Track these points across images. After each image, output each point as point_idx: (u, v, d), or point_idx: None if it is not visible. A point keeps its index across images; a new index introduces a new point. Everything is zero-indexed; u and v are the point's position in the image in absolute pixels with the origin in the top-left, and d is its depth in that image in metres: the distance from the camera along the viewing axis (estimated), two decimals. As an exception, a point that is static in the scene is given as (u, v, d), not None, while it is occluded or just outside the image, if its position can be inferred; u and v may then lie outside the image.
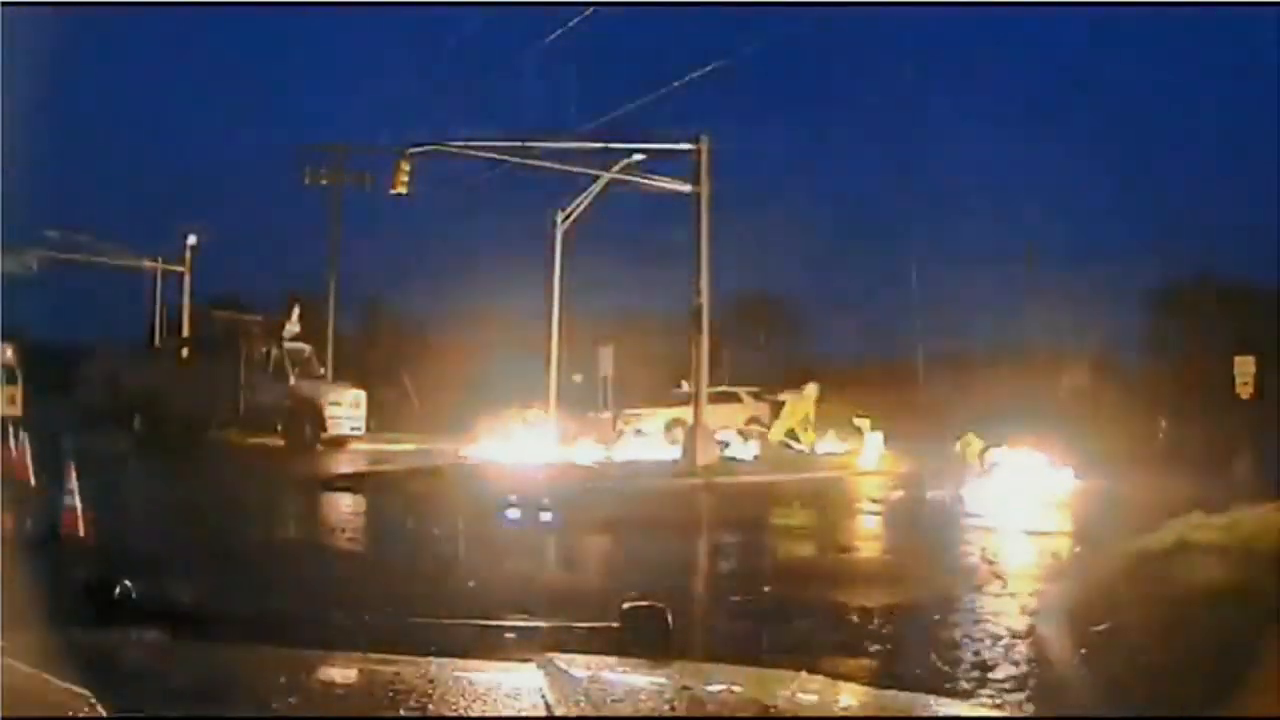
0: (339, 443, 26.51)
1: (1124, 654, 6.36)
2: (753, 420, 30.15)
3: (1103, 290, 26.21)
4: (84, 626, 1.72)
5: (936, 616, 8.10)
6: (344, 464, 22.65)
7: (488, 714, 1.40)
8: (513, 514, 14.91)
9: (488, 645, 1.73)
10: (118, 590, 1.74)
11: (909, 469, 21.33)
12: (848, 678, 1.85)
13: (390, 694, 1.57)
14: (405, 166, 24.75)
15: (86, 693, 1.34)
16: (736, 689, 1.75)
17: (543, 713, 1.41)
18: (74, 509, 10.69)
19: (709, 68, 24.02)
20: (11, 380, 27.40)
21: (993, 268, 24.33)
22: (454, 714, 1.40)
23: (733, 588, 9.79)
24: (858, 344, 32.05)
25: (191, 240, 36.16)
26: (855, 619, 8.04)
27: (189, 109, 77.74)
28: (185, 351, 29.40)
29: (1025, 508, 15.19)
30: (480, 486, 17.37)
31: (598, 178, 25.80)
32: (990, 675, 6.33)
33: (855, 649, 7.03)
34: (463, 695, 1.47)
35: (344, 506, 16.21)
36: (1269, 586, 7.42)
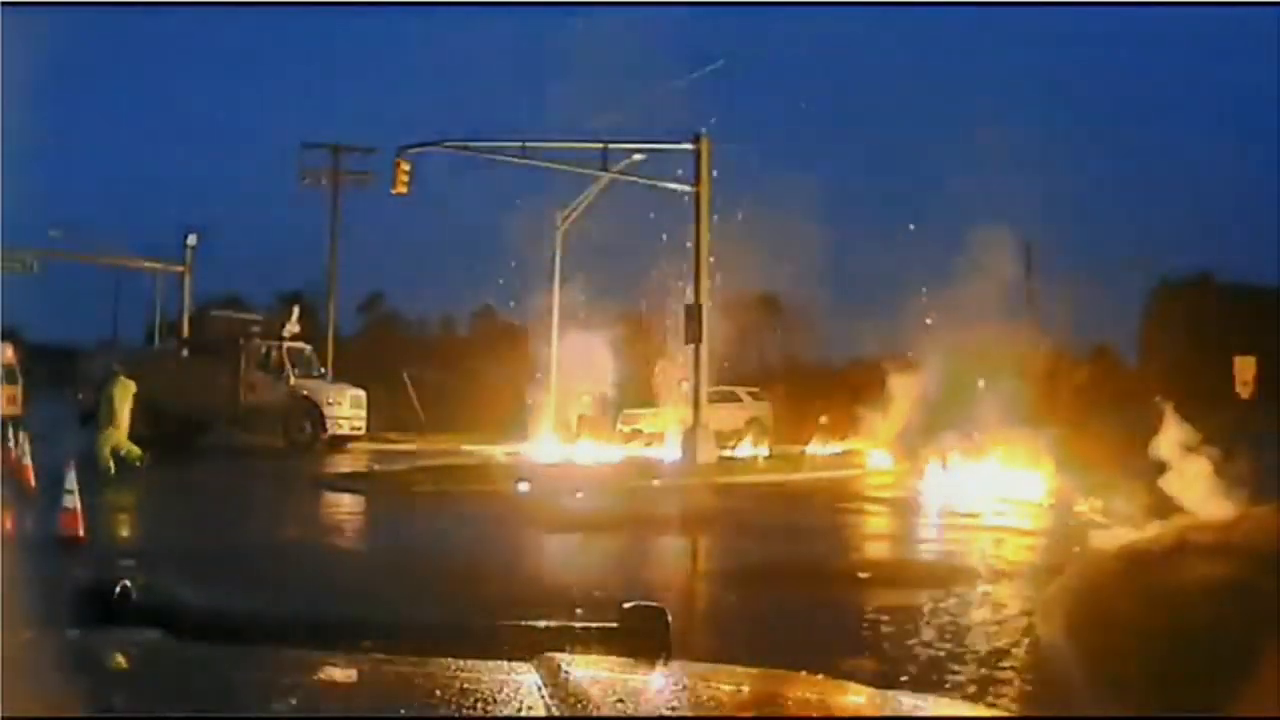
0: (339, 443, 26.51)
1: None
2: (753, 420, 30.15)
3: (1102, 290, 26.20)
4: (84, 627, 1.72)
5: (929, 617, 8.10)
6: (345, 464, 22.66)
7: (488, 714, 1.40)
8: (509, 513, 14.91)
9: (488, 645, 1.72)
10: (118, 590, 1.74)
11: (905, 468, 21.37)
12: (848, 677, 1.84)
13: (390, 694, 1.57)
14: (405, 166, 24.79)
15: (86, 693, 1.33)
16: (736, 689, 1.75)
17: (542, 713, 1.41)
18: (74, 509, 10.69)
19: (709, 68, 24.09)
20: (11, 380, 27.40)
21: (992, 266, 24.24)
22: (454, 714, 1.40)
23: (732, 587, 9.79)
24: (855, 344, 31.99)
25: (191, 240, 36.17)
26: (854, 616, 8.04)
27: (190, 109, 77.79)
28: (185, 352, 29.38)
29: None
30: (476, 486, 17.39)
31: (598, 178, 25.82)
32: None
33: (855, 646, 7.03)
34: (463, 695, 1.47)
35: (344, 506, 16.21)
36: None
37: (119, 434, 17.91)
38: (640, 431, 27.87)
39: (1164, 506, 12.63)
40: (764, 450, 26.20)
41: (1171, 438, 13.15)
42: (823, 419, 26.52)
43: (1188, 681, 5.34)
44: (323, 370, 29.91)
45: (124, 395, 18.17)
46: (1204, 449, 13.16)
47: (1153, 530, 12.04)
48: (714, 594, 9.75)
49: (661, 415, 27.19)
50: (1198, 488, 12.84)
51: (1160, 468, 13.08)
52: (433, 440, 29.24)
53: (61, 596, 1.79)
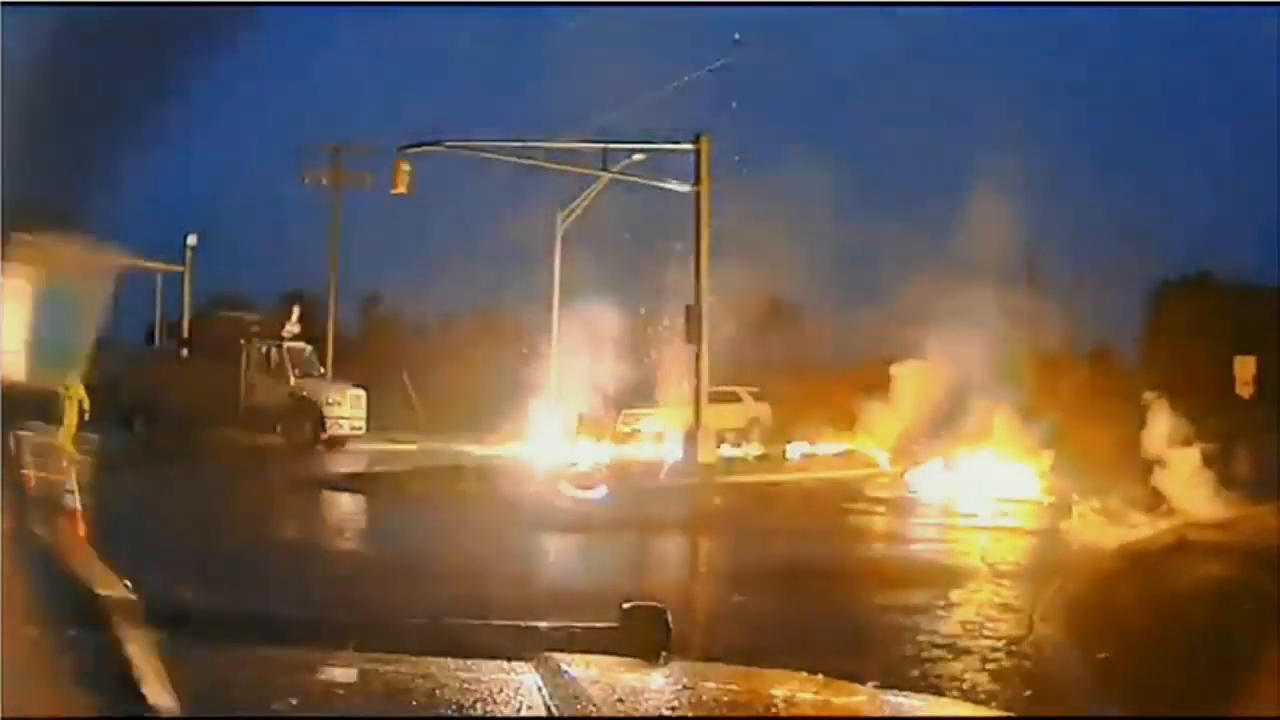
0: (339, 442, 26.50)
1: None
2: (753, 420, 30.14)
3: (1101, 289, 26.23)
4: (84, 627, 1.72)
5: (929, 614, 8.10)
6: (345, 464, 22.64)
7: (488, 714, 1.40)
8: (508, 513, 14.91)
9: (488, 645, 1.72)
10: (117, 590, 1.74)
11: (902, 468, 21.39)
12: (848, 677, 1.85)
13: (390, 694, 1.57)
14: (405, 166, 24.77)
15: (86, 693, 1.34)
16: (736, 689, 1.75)
17: (542, 713, 1.41)
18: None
19: (709, 68, 24.10)
20: (11, 380, 27.34)
21: (992, 265, 24.24)
22: (454, 714, 1.40)
23: (731, 586, 9.79)
24: (855, 345, 31.99)
25: (191, 240, 36.12)
26: (853, 616, 8.04)
27: (190, 109, 77.72)
28: (185, 351, 29.38)
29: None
30: (475, 486, 17.38)
31: (598, 178, 25.80)
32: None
33: (855, 646, 7.02)
34: (463, 695, 1.47)
35: (344, 507, 16.21)
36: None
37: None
38: (640, 431, 27.85)
39: (1163, 506, 12.65)
40: (764, 450, 26.19)
41: (1167, 436, 13.17)
42: (823, 420, 26.51)
43: (1187, 681, 5.34)
44: (323, 370, 29.90)
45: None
46: (1203, 448, 13.17)
47: (1150, 529, 12.06)
48: (714, 594, 9.74)
49: (661, 415, 27.19)
50: (1195, 487, 12.86)
51: (1159, 466, 13.08)
52: (432, 440, 29.23)
53: (61, 597, 1.79)
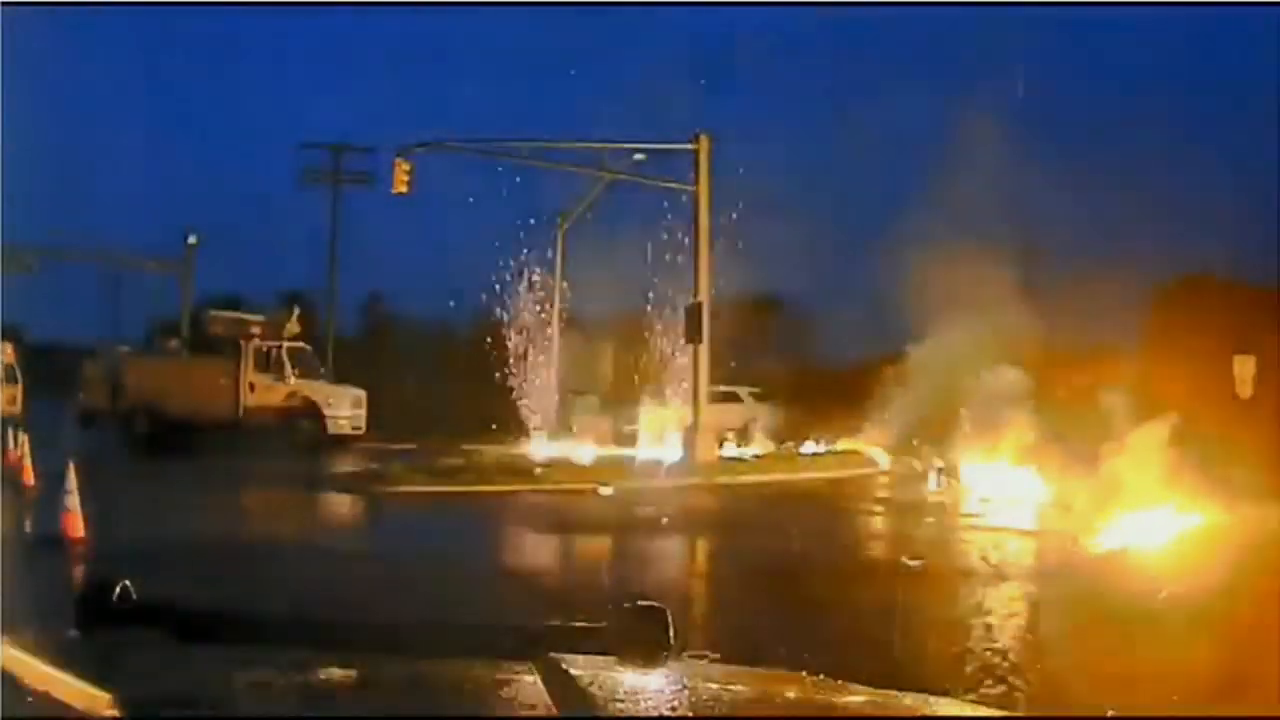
0: (339, 443, 26.50)
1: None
2: (753, 420, 30.13)
3: (1101, 289, 26.23)
4: (84, 627, 1.72)
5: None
6: (345, 464, 22.64)
7: (487, 714, 1.40)
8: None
9: (487, 645, 1.72)
10: (118, 590, 1.74)
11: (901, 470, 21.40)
12: (849, 677, 1.85)
13: (390, 694, 1.57)
14: (405, 166, 24.77)
15: (91, 690, 1.33)
16: (736, 689, 1.75)
17: (543, 713, 1.40)
18: (73, 509, 10.70)
19: (708, 66, 24.11)
20: (11, 380, 27.41)
21: (992, 265, 24.25)
22: (454, 714, 1.40)
23: (731, 586, 9.80)
24: (855, 345, 32.01)
25: (191, 240, 36.15)
26: (853, 616, 8.04)
27: (190, 109, 77.79)
28: (185, 351, 29.39)
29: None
30: (475, 486, 17.38)
31: (598, 178, 25.81)
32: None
33: (855, 646, 7.03)
34: (463, 695, 1.47)
35: (344, 507, 16.22)
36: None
37: None
38: (640, 431, 27.84)
39: (1161, 506, 12.65)
40: (764, 450, 26.20)
41: (1164, 436, 13.19)
42: (825, 420, 26.53)
43: (1185, 681, 5.34)
44: (323, 370, 29.90)
45: None
46: (1200, 448, 13.17)
47: (1149, 529, 12.07)
48: (713, 593, 9.75)
49: (662, 415, 27.17)
50: (1192, 486, 12.87)
51: (1157, 467, 13.09)
52: (432, 440, 29.25)
53: (61, 596, 1.79)
